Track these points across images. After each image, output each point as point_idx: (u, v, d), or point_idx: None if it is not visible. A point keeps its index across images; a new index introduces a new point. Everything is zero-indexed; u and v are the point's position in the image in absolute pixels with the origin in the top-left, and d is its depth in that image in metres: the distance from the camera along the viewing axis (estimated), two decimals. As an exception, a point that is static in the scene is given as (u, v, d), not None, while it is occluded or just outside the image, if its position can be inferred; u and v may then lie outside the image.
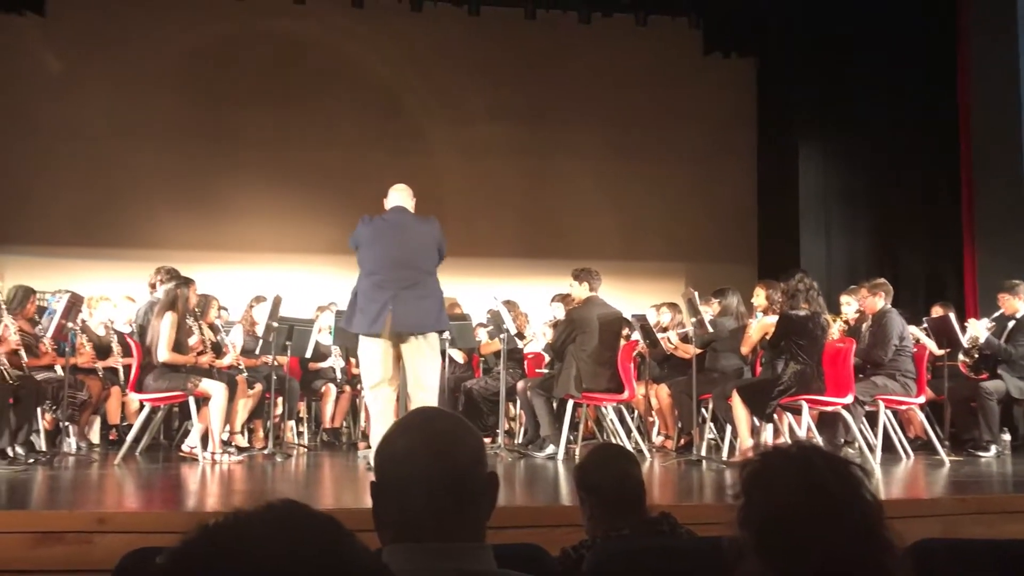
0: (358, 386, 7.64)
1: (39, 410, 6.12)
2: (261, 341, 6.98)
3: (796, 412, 5.91)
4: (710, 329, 6.47)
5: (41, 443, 6.18)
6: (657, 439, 7.22)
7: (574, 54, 10.42)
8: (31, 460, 5.54)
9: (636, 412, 7.41)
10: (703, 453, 6.24)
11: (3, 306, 6.00)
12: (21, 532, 3.41)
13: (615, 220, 10.36)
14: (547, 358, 7.33)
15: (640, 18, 10.32)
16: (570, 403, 6.28)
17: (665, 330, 7.31)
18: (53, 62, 9.84)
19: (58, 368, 6.44)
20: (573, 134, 10.39)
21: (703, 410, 6.58)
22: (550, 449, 6.28)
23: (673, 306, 7.69)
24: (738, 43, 10.42)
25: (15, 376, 5.55)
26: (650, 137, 10.49)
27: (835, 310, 6.89)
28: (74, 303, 6.28)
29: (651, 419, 7.42)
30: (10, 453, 5.38)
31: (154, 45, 9.86)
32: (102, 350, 7.03)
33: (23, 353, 5.93)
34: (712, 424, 6.77)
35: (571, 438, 6.53)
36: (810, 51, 9.55)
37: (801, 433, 5.80)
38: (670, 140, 10.49)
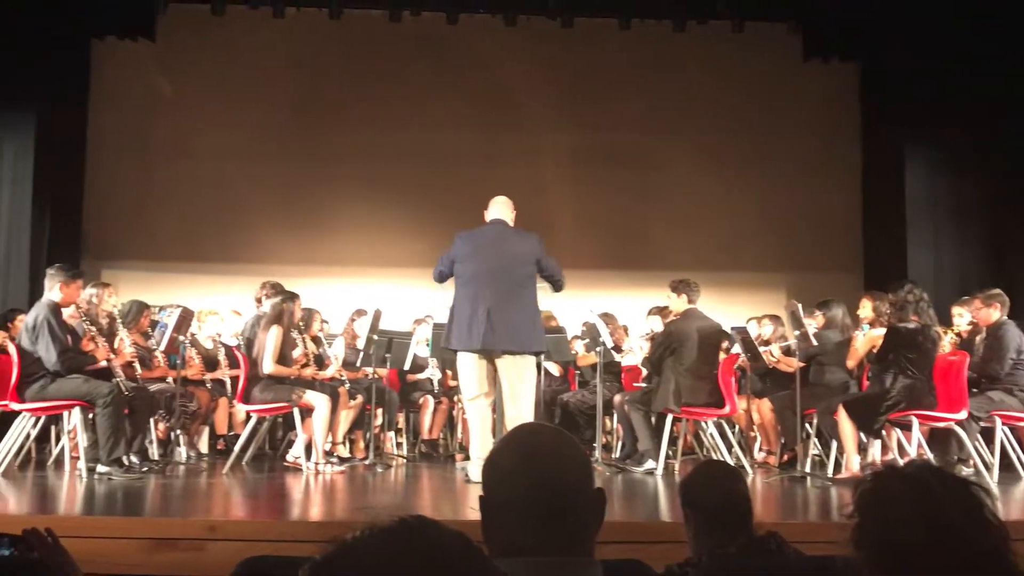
0: (455, 398, 7.72)
1: (152, 420, 6.37)
2: (362, 353, 7.11)
3: (906, 428, 5.70)
4: (814, 342, 6.30)
5: (154, 452, 6.41)
6: (759, 455, 7.06)
7: (669, 63, 10.33)
8: (145, 468, 5.75)
9: (737, 427, 7.26)
10: (807, 470, 6.07)
11: (119, 320, 6.27)
12: (138, 538, 3.55)
13: (713, 230, 10.20)
14: (644, 371, 7.26)
15: (736, 25, 10.16)
16: (669, 417, 6.20)
17: (767, 343, 7.15)
18: (163, 85, 10.27)
19: (169, 380, 6.69)
20: (669, 143, 10.28)
21: (807, 425, 6.40)
22: (649, 464, 6.20)
23: (775, 318, 7.51)
24: (840, 47, 10.14)
25: (130, 388, 5.78)
26: (748, 145, 10.31)
27: (946, 322, 6.62)
28: (185, 317, 6.52)
29: (752, 434, 7.26)
30: (125, 462, 5.59)
31: (257, 66, 10.19)
32: (210, 362, 7.27)
33: (137, 365, 6.18)
34: (816, 440, 6.59)
35: (670, 453, 6.44)
36: (916, 53, 9.22)
37: (911, 450, 5.59)
38: (769, 148, 10.29)
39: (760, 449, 7.13)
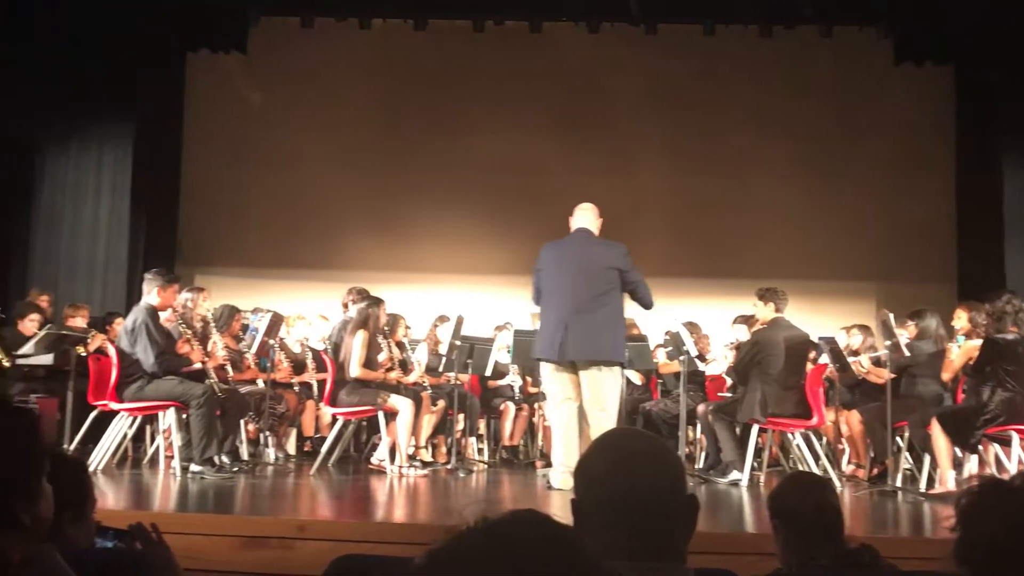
0: (535, 405, 7.74)
1: (242, 421, 6.54)
2: (444, 359, 7.17)
3: (1004, 443, 5.50)
4: (906, 353, 6.13)
5: (244, 452, 6.59)
6: (847, 468, 6.89)
7: (754, 68, 10.19)
8: (235, 468, 5.91)
9: (824, 439, 7.10)
10: (898, 484, 5.90)
11: (212, 324, 6.46)
12: (230, 535, 3.66)
13: (801, 237, 10.00)
14: (729, 381, 7.15)
15: (824, 29, 9.97)
16: (754, 428, 6.10)
17: (856, 353, 6.97)
18: (254, 96, 10.57)
19: (259, 382, 6.86)
20: (754, 150, 10.14)
21: (898, 438, 6.23)
22: (734, 475, 6.11)
23: (864, 328, 7.33)
24: (933, 51, 9.85)
25: (222, 389, 5.95)
26: (837, 151, 10.10)
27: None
28: (275, 322, 6.69)
29: (840, 447, 7.10)
30: (217, 461, 5.75)
31: (344, 77, 10.42)
32: (298, 366, 7.44)
33: (229, 368, 6.35)
34: (908, 454, 6.40)
35: (755, 464, 6.33)
36: (1014, 55, 8.90)
37: (1011, 466, 5.39)
38: (859, 154, 10.05)
39: (848, 462, 6.96)
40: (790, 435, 6.44)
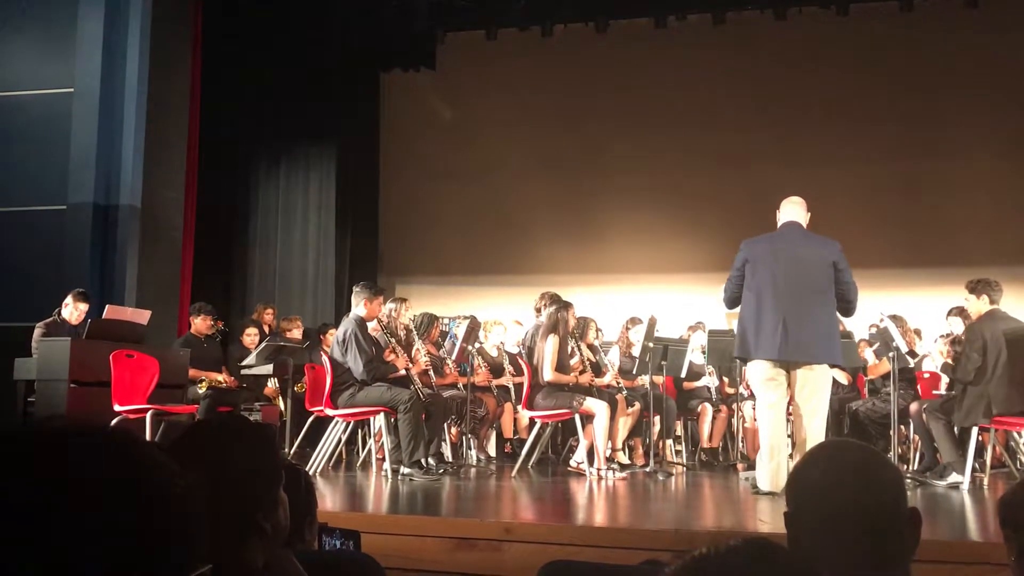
0: (733, 406, 7.57)
1: (445, 425, 6.78)
2: (637, 361, 7.15)
3: None
4: None
5: (448, 455, 6.83)
6: (1085, 470, 6.32)
7: (959, 42, 9.55)
8: (441, 471, 6.14)
9: (1056, 438, 6.54)
10: None
11: (414, 331, 6.75)
12: (441, 537, 3.80)
13: (1016, 221, 9.26)
14: (945, 378, 6.73)
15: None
16: (975, 427, 5.71)
17: (1090, 345, 6.38)
18: (444, 111, 10.95)
19: (460, 386, 7.10)
20: (961, 130, 9.49)
21: None
22: (953, 477, 5.74)
23: (1098, 316, 6.69)
24: None
25: (426, 394, 6.20)
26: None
27: None
28: (473, 328, 6.91)
29: (1076, 446, 6.51)
30: (424, 464, 5.99)
31: (529, 84, 10.59)
32: (495, 370, 7.63)
33: (432, 373, 6.61)
34: None
35: (976, 466, 5.92)
36: None
37: None
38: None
39: (1087, 464, 6.38)
40: (1016, 434, 5.98)
